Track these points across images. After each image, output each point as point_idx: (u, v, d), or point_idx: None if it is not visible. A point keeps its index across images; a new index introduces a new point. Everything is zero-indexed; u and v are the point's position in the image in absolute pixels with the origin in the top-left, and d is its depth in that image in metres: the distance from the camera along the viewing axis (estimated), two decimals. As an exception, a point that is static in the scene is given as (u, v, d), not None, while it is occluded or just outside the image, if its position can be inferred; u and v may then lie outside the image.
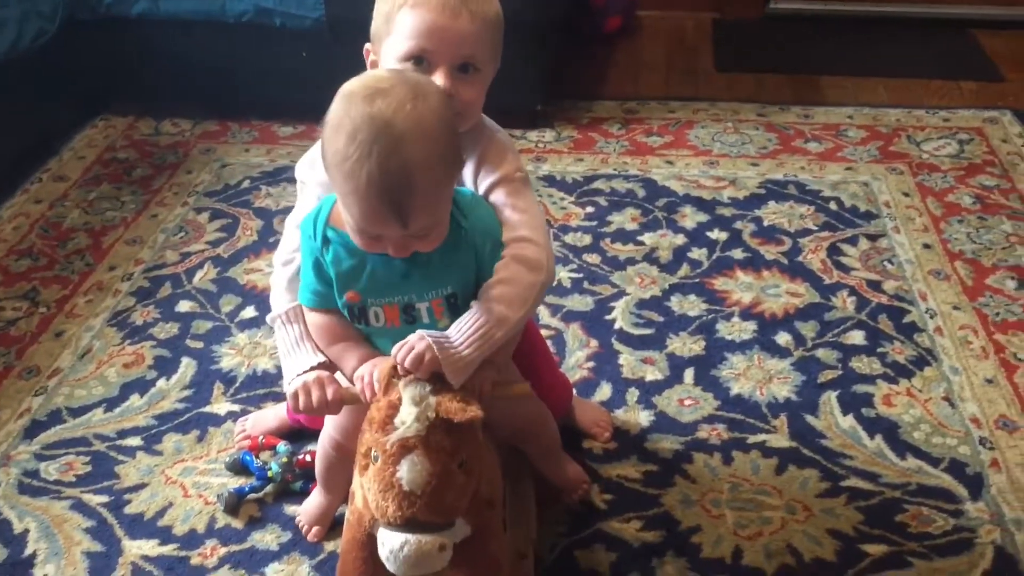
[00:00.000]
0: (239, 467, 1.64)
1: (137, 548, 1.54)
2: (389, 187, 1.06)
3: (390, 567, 1.13)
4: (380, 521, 1.12)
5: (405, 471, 1.09)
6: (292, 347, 1.26)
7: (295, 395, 1.22)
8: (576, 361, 1.89)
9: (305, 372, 1.23)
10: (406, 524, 1.10)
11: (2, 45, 2.35)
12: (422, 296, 1.19)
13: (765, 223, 2.29)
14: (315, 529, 1.53)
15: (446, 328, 1.17)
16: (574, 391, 1.72)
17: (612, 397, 1.80)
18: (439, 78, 1.20)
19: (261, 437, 1.69)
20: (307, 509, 1.55)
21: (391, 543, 1.12)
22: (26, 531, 1.58)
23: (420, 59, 1.22)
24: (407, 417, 1.09)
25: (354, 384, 1.19)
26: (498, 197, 1.26)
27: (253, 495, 1.60)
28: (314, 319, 1.24)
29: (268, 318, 1.32)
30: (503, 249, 1.22)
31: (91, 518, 1.60)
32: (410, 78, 1.12)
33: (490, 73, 1.27)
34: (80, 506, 1.62)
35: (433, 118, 1.08)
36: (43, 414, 1.81)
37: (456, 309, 1.20)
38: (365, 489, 1.15)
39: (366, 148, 1.05)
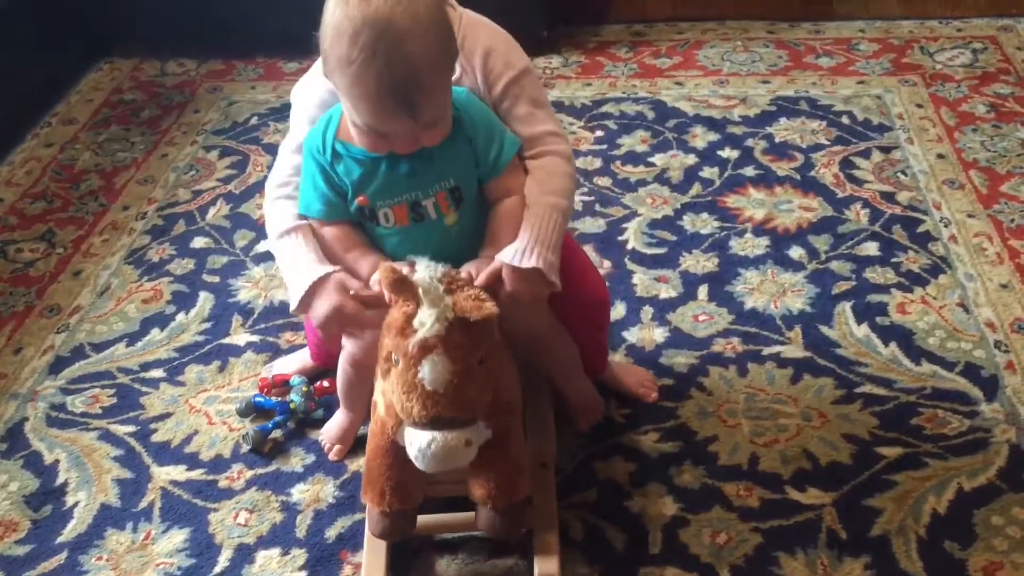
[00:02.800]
0: (252, 410, 1.66)
1: (166, 474, 1.58)
2: (397, 83, 1.08)
3: (419, 464, 1.16)
4: (406, 421, 1.15)
5: (427, 371, 1.12)
6: (303, 258, 1.25)
7: (325, 318, 1.22)
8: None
9: (322, 278, 1.23)
10: (431, 422, 1.14)
11: (3, -12, 2.34)
12: (427, 192, 1.22)
13: (777, 140, 2.27)
14: (337, 447, 1.56)
15: (454, 223, 1.22)
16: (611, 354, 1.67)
17: (626, 315, 1.81)
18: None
19: (270, 376, 1.70)
20: (329, 429, 1.58)
21: (418, 441, 1.15)
22: (56, 461, 1.61)
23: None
24: (426, 319, 1.11)
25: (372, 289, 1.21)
26: (519, 91, 1.29)
27: (279, 430, 1.63)
28: (326, 231, 1.26)
29: (270, 238, 1.31)
30: (530, 144, 1.28)
31: (119, 447, 1.63)
32: None
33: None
34: (108, 436, 1.65)
35: (428, 11, 1.10)
36: (66, 350, 1.83)
37: (459, 202, 1.24)
38: (388, 393, 1.17)
39: (370, 49, 1.06)
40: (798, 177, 2.14)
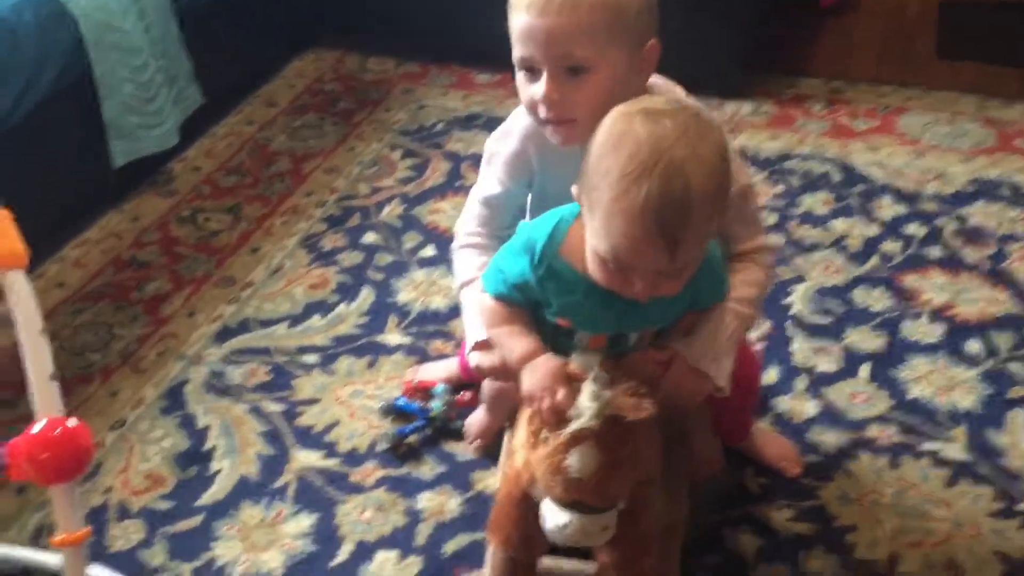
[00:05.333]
0: (394, 412, 1.69)
1: (304, 457, 1.64)
2: (667, 210, 0.99)
3: (552, 538, 1.17)
4: (547, 495, 1.15)
5: (575, 460, 1.10)
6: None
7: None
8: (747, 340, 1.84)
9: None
10: (572, 505, 1.13)
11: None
12: (636, 329, 1.19)
13: (970, 223, 2.15)
14: (478, 442, 1.61)
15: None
16: (756, 423, 1.63)
17: (779, 383, 1.75)
18: (540, 86, 1.12)
19: (415, 380, 1.74)
20: (472, 421, 1.62)
21: (555, 519, 1.15)
22: (208, 427, 1.70)
23: (531, 67, 1.15)
24: (583, 410, 1.09)
25: (527, 402, 1.16)
26: (735, 209, 1.21)
27: (415, 435, 1.66)
28: (489, 303, 1.20)
29: (455, 284, 1.34)
30: (744, 255, 1.26)
31: (266, 423, 1.71)
32: (690, 105, 1.09)
33: (612, 67, 1.13)
34: (257, 411, 1.73)
35: (716, 142, 1.03)
36: (234, 322, 1.93)
37: (663, 334, 1.22)
38: (534, 464, 1.17)
39: (649, 166, 0.99)
40: (988, 266, 2.02)
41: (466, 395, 1.68)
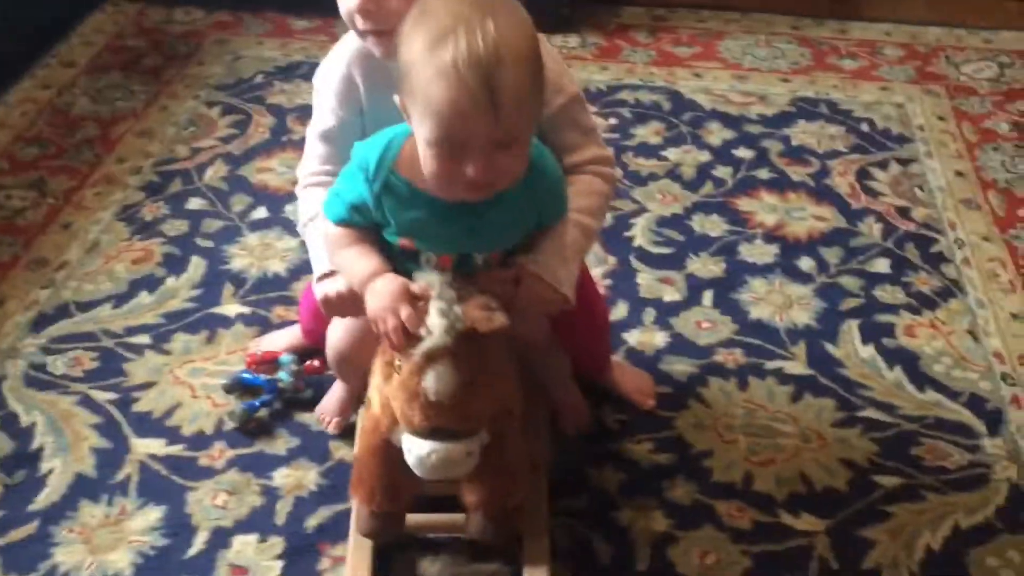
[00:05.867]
0: (239, 387, 1.61)
1: (144, 447, 1.53)
2: (479, 60, 0.96)
3: (417, 471, 1.13)
4: (406, 428, 1.11)
5: (431, 381, 1.07)
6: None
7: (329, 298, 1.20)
8: (594, 277, 1.84)
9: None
10: (432, 432, 1.10)
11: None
12: (482, 250, 1.15)
13: (793, 142, 2.22)
14: (336, 420, 1.54)
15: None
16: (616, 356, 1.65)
17: (628, 316, 1.77)
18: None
19: (259, 351, 1.65)
20: (326, 403, 1.55)
21: (418, 450, 1.11)
22: (33, 424, 1.56)
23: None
24: (434, 328, 1.06)
25: (373, 326, 1.12)
26: (567, 116, 1.24)
27: (265, 409, 1.58)
28: (332, 230, 1.17)
29: (299, 223, 1.30)
30: (581, 166, 1.25)
31: (98, 414, 1.58)
32: None
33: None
34: (87, 402, 1.61)
35: (520, 17, 1.02)
36: (51, 307, 1.78)
37: (510, 253, 1.18)
38: (390, 398, 1.13)
39: (451, 27, 0.97)
40: (813, 184, 2.09)
41: (315, 362, 1.61)
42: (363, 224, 1.15)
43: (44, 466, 1.50)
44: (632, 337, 1.73)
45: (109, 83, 2.41)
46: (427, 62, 0.98)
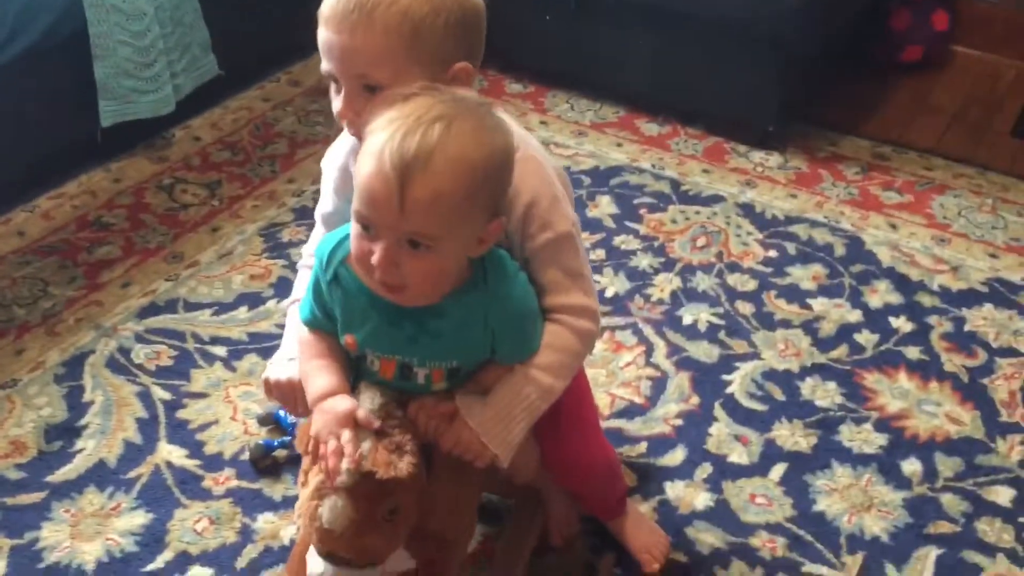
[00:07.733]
0: (271, 423, 1.65)
1: (167, 452, 1.61)
2: (406, 149, 0.95)
3: None
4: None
5: (326, 509, 1.05)
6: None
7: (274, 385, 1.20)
8: (664, 413, 1.71)
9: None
10: (326, 556, 1.08)
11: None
12: (423, 363, 1.10)
13: (967, 327, 1.94)
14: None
15: (443, 388, 1.12)
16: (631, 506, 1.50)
17: (680, 466, 1.62)
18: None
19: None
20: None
21: (313, 567, 1.11)
22: (91, 402, 1.69)
23: (334, 79, 1.12)
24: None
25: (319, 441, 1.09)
26: (551, 254, 1.14)
27: (281, 450, 1.61)
28: (304, 333, 1.16)
29: (288, 299, 1.30)
30: (554, 313, 1.14)
31: (148, 410, 1.69)
32: (480, 100, 1.04)
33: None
34: (145, 395, 1.71)
35: (488, 128, 1.01)
36: (163, 300, 1.92)
37: (456, 378, 1.12)
38: (299, 504, 1.11)
39: (400, 118, 0.97)
40: (966, 379, 1.81)
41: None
42: (329, 328, 1.13)
43: (79, 443, 1.62)
44: (673, 490, 1.58)
45: (320, 108, 2.57)
46: (369, 140, 1.00)
